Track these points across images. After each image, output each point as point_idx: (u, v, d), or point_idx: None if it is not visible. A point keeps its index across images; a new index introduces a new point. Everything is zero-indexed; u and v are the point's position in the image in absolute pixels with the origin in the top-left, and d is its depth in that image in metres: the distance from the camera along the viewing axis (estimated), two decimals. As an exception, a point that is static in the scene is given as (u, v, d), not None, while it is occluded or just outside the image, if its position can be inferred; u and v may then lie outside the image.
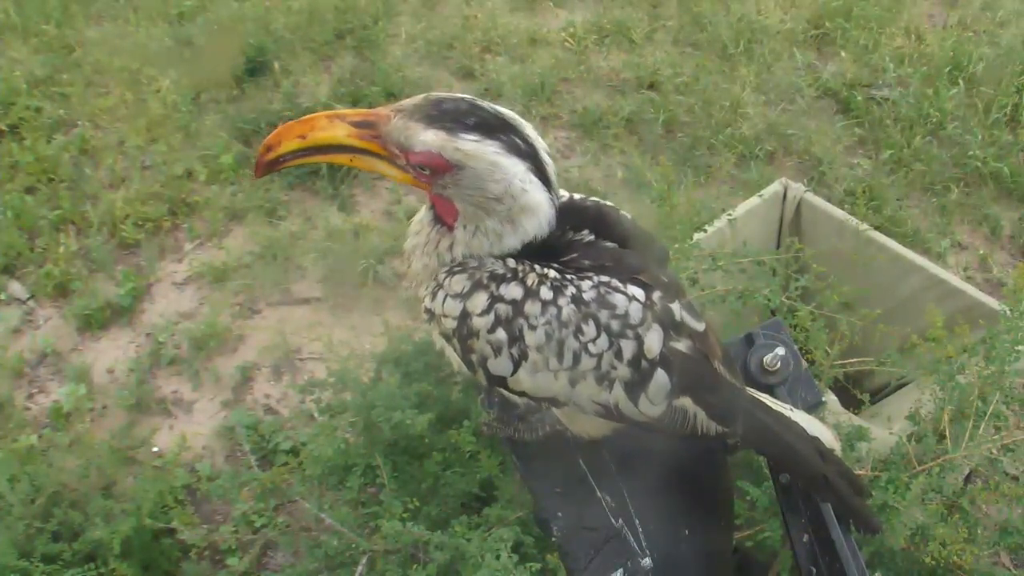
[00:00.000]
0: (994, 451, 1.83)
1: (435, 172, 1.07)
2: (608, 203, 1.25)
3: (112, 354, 3.28)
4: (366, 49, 4.49)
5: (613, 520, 1.27)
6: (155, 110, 4.10)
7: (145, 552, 2.48)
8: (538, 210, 1.11)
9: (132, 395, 3.10)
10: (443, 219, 1.14)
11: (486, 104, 1.08)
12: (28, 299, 3.45)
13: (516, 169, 1.07)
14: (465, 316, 1.10)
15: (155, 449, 2.97)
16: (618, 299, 1.10)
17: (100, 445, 2.84)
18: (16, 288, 3.47)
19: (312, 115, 1.08)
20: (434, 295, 1.14)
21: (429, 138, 1.04)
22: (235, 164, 3.89)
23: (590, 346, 1.09)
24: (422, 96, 1.07)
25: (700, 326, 1.20)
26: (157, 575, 2.53)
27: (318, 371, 3.12)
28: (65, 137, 4.00)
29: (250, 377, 3.22)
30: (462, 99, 1.07)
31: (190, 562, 2.52)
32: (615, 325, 1.09)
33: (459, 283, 1.12)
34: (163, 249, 3.66)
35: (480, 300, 1.09)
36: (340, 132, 1.07)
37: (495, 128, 1.06)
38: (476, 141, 1.04)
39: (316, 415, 2.38)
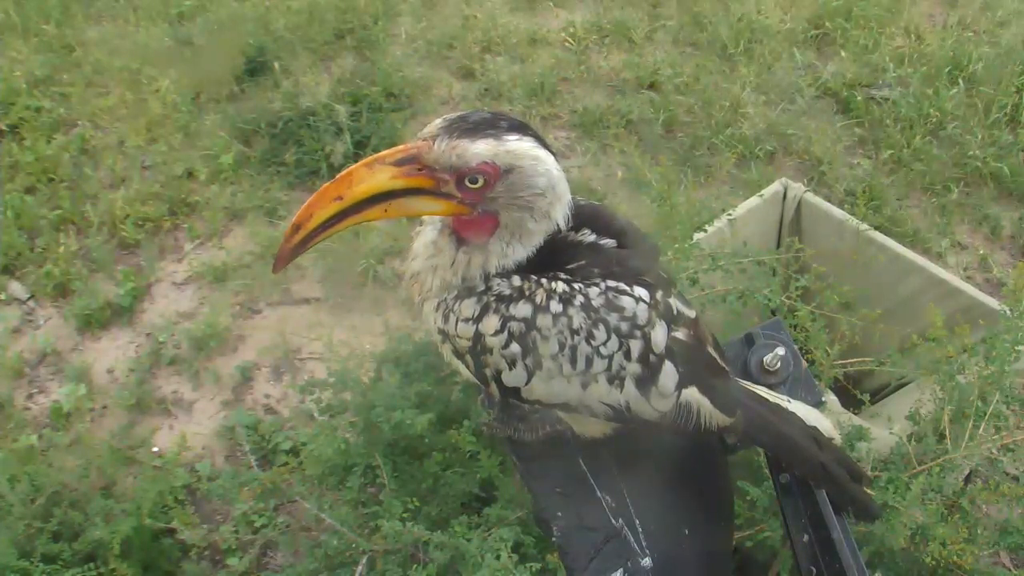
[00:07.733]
0: (994, 451, 1.83)
1: (487, 184, 1.04)
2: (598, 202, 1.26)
3: (112, 354, 3.28)
4: (366, 49, 4.49)
5: (613, 520, 1.27)
6: (155, 110, 4.10)
7: (145, 552, 2.48)
8: (564, 198, 1.11)
9: (132, 395, 3.10)
10: (472, 238, 1.12)
11: (496, 110, 1.06)
12: (28, 299, 3.45)
13: (550, 160, 1.07)
14: (479, 336, 1.11)
15: (155, 449, 2.97)
16: (626, 302, 1.12)
17: (100, 445, 2.84)
18: (16, 288, 3.47)
19: (346, 170, 1.02)
20: (446, 318, 1.14)
21: (481, 148, 1.02)
22: (235, 164, 3.89)
23: (601, 349, 1.10)
24: (441, 119, 1.04)
25: (692, 313, 1.24)
26: (157, 575, 2.53)
27: (318, 371, 3.11)
28: (65, 137, 4.00)
29: (250, 377, 3.22)
30: (479, 110, 1.06)
31: (190, 562, 2.53)
32: (624, 327, 1.11)
33: (469, 308, 1.12)
34: (163, 249, 3.66)
35: (492, 322, 1.10)
36: (383, 176, 1.03)
37: (521, 127, 1.06)
38: (518, 140, 1.04)
39: (316, 415, 2.38)
